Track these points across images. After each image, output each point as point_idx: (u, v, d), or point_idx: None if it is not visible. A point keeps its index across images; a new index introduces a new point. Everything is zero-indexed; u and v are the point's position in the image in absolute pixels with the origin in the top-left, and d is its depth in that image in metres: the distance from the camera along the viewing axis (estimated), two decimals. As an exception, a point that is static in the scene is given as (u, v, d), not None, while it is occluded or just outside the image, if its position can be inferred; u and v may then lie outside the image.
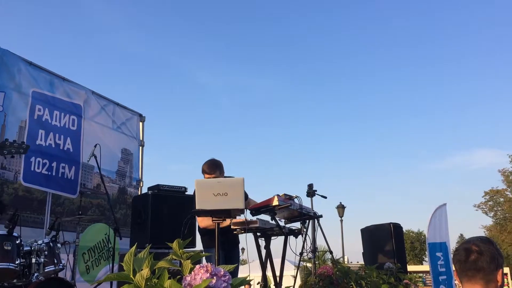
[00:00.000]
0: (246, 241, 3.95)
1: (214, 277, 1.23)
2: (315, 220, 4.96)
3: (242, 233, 4.15)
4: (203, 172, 4.39)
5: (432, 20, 56.96)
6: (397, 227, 6.72)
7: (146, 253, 1.51)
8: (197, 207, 3.37)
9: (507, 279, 22.02)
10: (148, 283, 1.38)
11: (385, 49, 60.98)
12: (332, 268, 4.50)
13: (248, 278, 1.76)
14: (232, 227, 4.16)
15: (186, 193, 5.28)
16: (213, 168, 4.35)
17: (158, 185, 5.41)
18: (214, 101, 74.30)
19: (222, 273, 1.26)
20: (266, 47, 67.94)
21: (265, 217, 4.15)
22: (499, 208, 34.55)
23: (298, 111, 69.63)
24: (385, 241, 6.53)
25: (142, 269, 1.42)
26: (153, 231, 5.08)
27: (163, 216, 5.15)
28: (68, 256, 4.72)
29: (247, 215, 3.89)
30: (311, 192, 5.21)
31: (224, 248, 4.08)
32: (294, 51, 67.48)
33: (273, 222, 4.18)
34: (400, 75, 61.11)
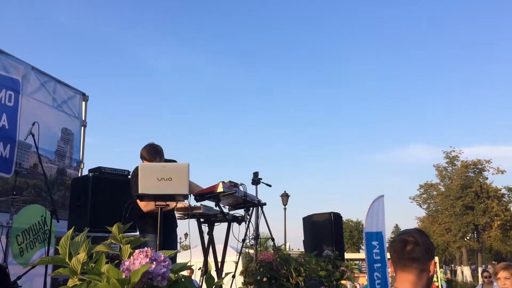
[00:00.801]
0: (189, 226, 3.94)
1: (154, 262, 1.21)
2: (259, 207, 5.02)
3: (186, 218, 4.13)
4: (142, 158, 4.10)
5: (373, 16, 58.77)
6: (337, 216, 6.93)
7: (83, 237, 1.46)
8: (140, 191, 3.31)
9: (435, 267, 23.38)
10: (85, 267, 1.34)
11: (327, 41, 62.42)
12: (273, 255, 4.58)
13: (189, 264, 1.75)
14: (175, 212, 4.13)
15: (129, 176, 5.17)
16: (153, 154, 4.08)
17: (99, 168, 5.27)
18: (160, 82, 73.09)
19: (162, 258, 1.24)
20: (215, 30, 67.37)
21: (209, 203, 4.15)
22: (432, 201, 36.58)
23: (246, 97, 69.94)
24: (325, 230, 6.73)
25: (78, 253, 1.38)
26: (92, 215, 4.95)
27: (104, 200, 5.02)
28: (0, 237, 4.52)
29: (191, 201, 3.87)
30: (256, 180, 5.24)
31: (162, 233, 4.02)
32: (246, 36, 67.40)
33: (217, 208, 4.19)
34: (345, 66, 62.80)
